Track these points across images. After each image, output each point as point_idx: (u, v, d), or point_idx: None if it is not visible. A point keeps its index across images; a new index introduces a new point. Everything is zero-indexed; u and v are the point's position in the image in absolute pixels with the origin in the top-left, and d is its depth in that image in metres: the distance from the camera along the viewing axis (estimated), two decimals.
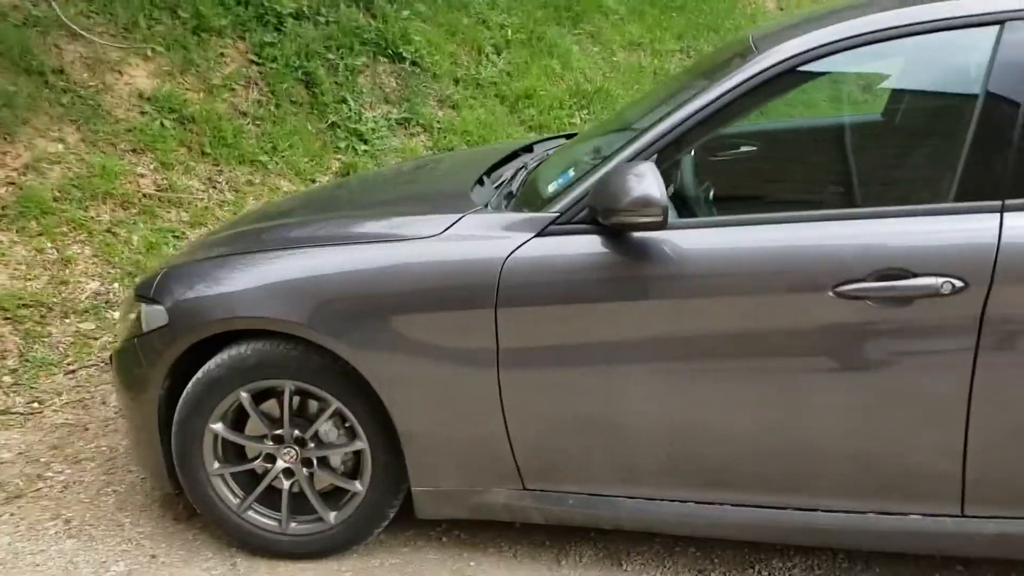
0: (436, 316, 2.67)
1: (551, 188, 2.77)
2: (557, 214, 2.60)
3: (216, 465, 2.99)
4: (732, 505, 2.63)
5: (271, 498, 3.06)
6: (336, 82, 6.37)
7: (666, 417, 2.57)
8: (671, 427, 2.58)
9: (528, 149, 3.72)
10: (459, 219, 2.73)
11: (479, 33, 7.22)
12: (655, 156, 2.54)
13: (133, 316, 3.07)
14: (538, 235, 2.61)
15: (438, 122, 6.47)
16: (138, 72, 5.83)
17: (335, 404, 2.84)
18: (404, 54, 6.66)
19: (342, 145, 6.14)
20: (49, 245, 4.83)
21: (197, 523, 3.28)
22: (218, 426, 2.94)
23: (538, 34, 7.42)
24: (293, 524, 3.01)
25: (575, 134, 3.87)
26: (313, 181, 5.91)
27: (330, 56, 6.46)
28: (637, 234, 2.51)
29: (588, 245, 2.56)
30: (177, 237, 5.26)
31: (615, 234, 2.53)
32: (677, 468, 2.63)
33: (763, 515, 2.62)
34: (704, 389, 2.52)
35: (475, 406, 2.70)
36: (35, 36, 5.52)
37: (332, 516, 2.98)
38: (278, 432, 2.94)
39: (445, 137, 6.40)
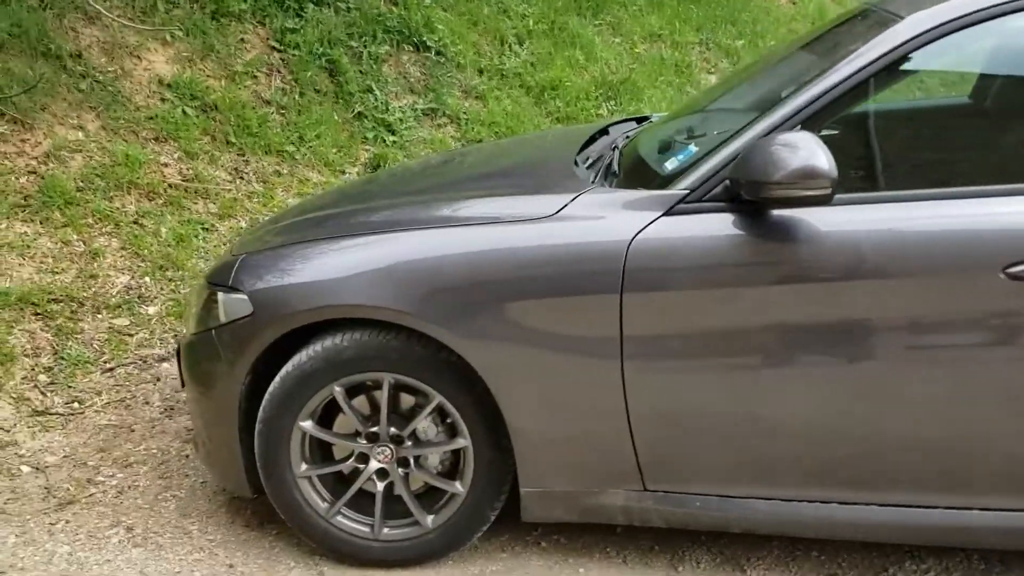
0: (554, 302, 2.47)
1: (670, 165, 2.58)
2: (687, 191, 2.41)
3: (304, 467, 2.76)
4: (879, 505, 2.44)
5: (361, 501, 2.84)
6: (360, 71, 6.13)
7: (813, 412, 2.38)
8: (818, 423, 2.39)
9: (604, 132, 3.52)
10: (574, 198, 2.53)
11: (501, 23, 7.01)
12: (798, 128, 2.34)
13: (207, 306, 2.83)
14: (667, 214, 2.41)
15: (464, 113, 6.26)
16: (157, 57, 5.56)
17: (437, 398, 2.63)
18: (428, 43, 6.44)
19: (370, 136, 5.91)
20: (75, 237, 4.56)
21: (272, 529, 3.05)
22: (308, 424, 2.71)
23: (560, 24, 7.22)
24: (386, 529, 2.80)
25: (646, 118, 3.67)
26: (343, 172, 5.68)
27: (353, 44, 6.23)
28: (784, 211, 2.32)
29: (726, 224, 2.37)
30: (207, 229, 5.01)
31: (758, 212, 2.34)
32: (823, 467, 2.44)
33: (911, 515, 2.44)
34: (860, 381, 2.34)
35: (596, 400, 2.49)
36: (51, 18, 5.24)
37: (429, 520, 2.76)
38: (373, 430, 2.72)
39: (472, 128, 6.19)
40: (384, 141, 5.96)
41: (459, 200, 2.83)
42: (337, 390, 2.67)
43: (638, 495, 2.59)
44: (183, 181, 5.13)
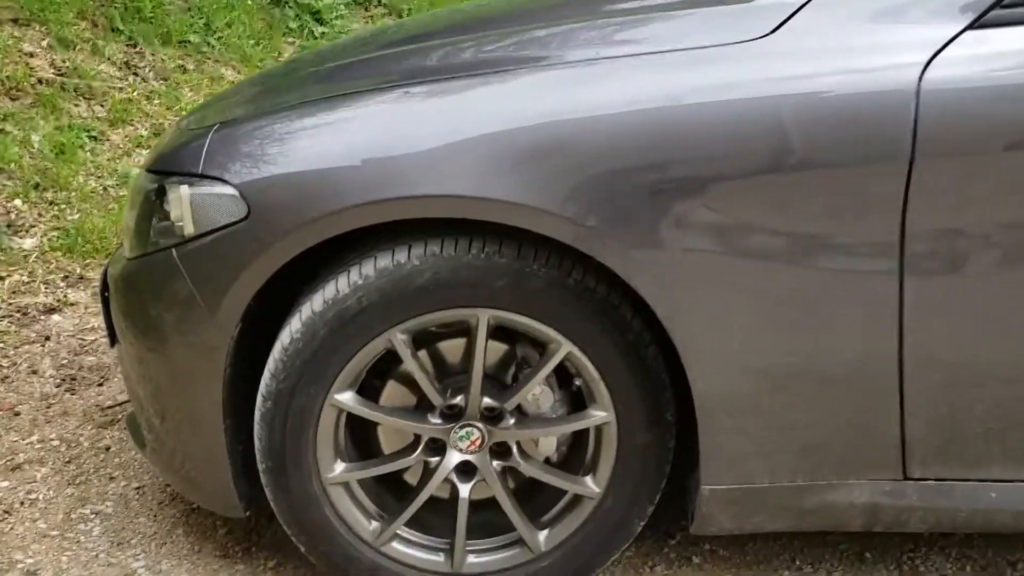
0: (782, 182, 1.46)
1: None
2: None
3: (339, 467, 1.67)
4: None
5: (427, 518, 1.79)
6: None
7: None
8: None
9: None
10: (802, 6, 1.51)
11: None
12: None
13: (155, 211, 1.69)
14: (976, 24, 1.42)
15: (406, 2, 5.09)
16: None
17: (563, 349, 1.58)
18: None
19: (293, 26, 4.69)
20: None
21: (266, 559, 1.95)
22: (347, 397, 1.62)
23: None
24: (472, 557, 1.75)
25: None
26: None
27: None
28: None
29: None
30: (95, 138, 3.76)
31: None
32: None
33: None
34: None
35: (848, 344, 1.54)
36: None
37: (541, 538, 1.72)
38: (454, 402, 1.65)
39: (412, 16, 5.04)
40: (312, 33, 4.74)
41: (599, 28, 1.75)
42: (400, 339, 1.58)
43: (893, 487, 1.63)
44: (58, 76, 3.81)
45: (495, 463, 1.73)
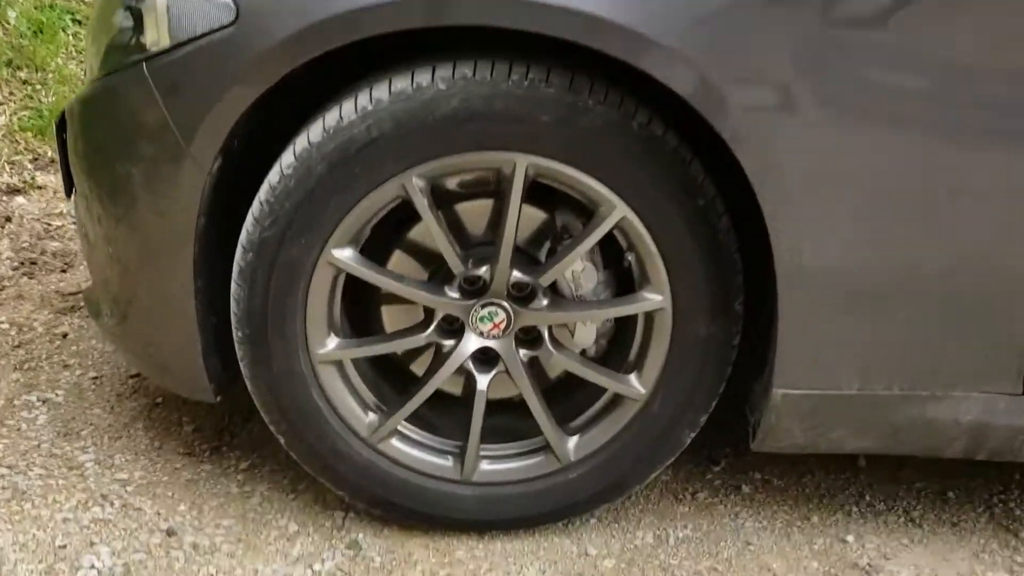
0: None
1: None
2: None
3: (333, 341, 1.35)
4: None
5: (436, 415, 1.47)
6: None
7: None
8: None
9: None
10: None
11: None
12: None
13: (120, 20, 1.37)
14: None
15: None
16: None
17: (620, 211, 1.27)
18: None
19: None
20: None
21: (239, 459, 1.65)
22: (347, 255, 1.30)
23: None
24: (486, 464, 1.43)
25: None
26: None
27: None
28: None
29: None
30: (80, 23, 3.39)
31: None
32: None
33: None
34: None
35: (975, 233, 1.21)
36: None
37: (570, 446, 1.41)
38: (476, 274, 1.33)
39: None
40: None
41: None
42: (416, 186, 1.26)
43: (1010, 404, 1.32)
44: None
45: (522, 352, 1.42)
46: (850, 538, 1.52)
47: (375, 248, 1.41)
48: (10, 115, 2.88)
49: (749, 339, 1.41)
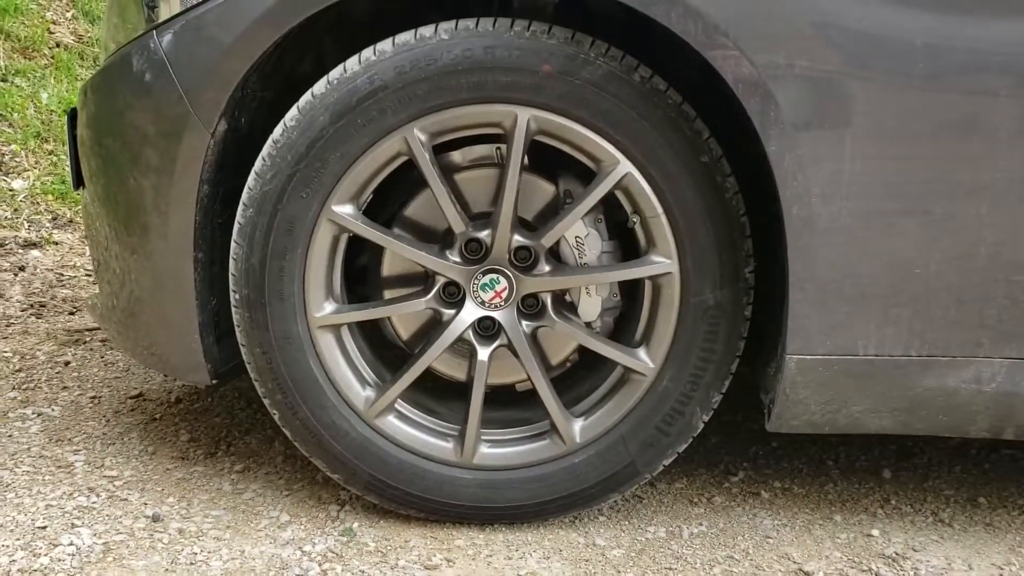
0: None
1: None
2: None
3: (330, 306, 1.31)
4: None
5: (434, 393, 1.42)
6: None
7: None
8: None
9: None
10: None
11: None
12: None
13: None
14: None
15: None
16: None
17: (622, 168, 1.27)
18: None
19: None
20: None
21: (227, 459, 1.58)
22: (348, 211, 1.29)
23: None
24: (486, 447, 1.36)
25: None
26: None
27: None
28: None
29: None
30: None
31: None
32: None
33: None
34: None
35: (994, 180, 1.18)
36: None
37: (576, 429, 1.34)
38: (478, 236, 1.31)
39: None
40: None
41: None
42: (418, 138, 1.26)
43: None
44: (77, 43, 3.61)
45: (524, 323, 1.37)
46: (875, 532, 1.42)
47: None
48: (34, 180, 2.93)
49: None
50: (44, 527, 1.37)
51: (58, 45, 3.59)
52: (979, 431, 1.33)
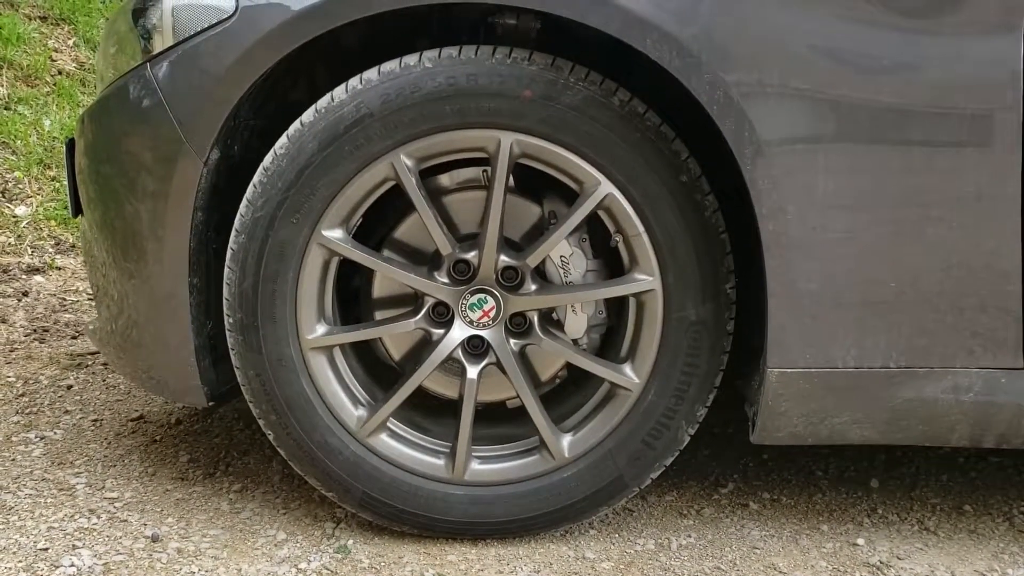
0: None
1: None
2: None
3: (321, 328, 1.35)
4: None
5: (425, 411, 1.45)
6: None
7: None
8: None
9: None
10: None
11: None
12: None
13: (128, 32, 1.45)
14: None
15: None
16: None
17: (604, 189, 1.31)
18: None
19: None
20: None
21: (226, 479, 1.61)
22: (337, 235, 1.32)
23: None
24: (477, 464, 1.40)
25: None
26: None
27: None
28: None
29: None
30: None
31: None
32: None
33: None
34: None
35: (968, 188, 1.22)
36: None
37: (565, 444, 1.38)
38: (465, 257, 1.34)
39: None
40: None
41: None
42: (405, 164, 1.30)
43: (1012, 378, 1.27)
44: (79, 70, 3.66)
45: (512, 341, 1.41)
46: (861, 541, 1.45)
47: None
48: (37, 206, 2.98)
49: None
50: (46, 549, 1.40)
51: (60, 73, 3.64)
52: (959, 440, 1.36)
